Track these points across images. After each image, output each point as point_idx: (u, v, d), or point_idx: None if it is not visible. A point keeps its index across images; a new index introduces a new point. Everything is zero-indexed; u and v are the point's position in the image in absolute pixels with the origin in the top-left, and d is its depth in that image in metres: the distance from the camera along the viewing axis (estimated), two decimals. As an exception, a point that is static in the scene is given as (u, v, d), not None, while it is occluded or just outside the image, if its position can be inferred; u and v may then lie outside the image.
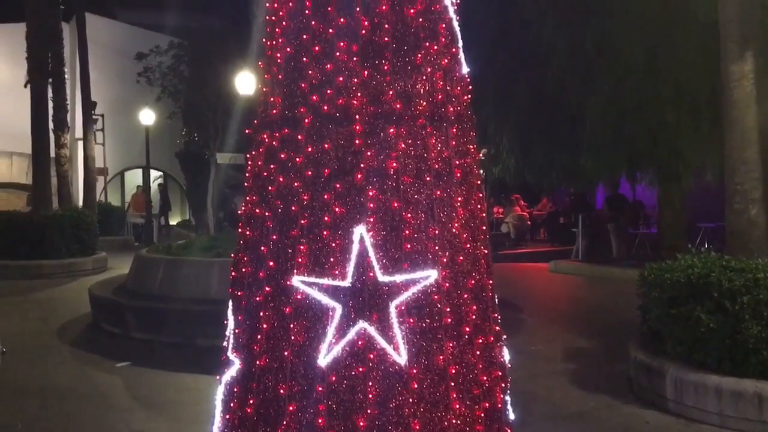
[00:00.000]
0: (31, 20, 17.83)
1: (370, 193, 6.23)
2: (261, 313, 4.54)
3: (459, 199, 7.13)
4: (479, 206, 7.16)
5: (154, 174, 30.70)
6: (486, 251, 6.48)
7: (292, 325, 4.28)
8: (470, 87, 7.94)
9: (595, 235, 18.19)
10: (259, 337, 4.46)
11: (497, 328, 4.63)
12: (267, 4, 7.97)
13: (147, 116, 25.88)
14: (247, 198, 7.52)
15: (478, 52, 16.09)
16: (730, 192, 8.49)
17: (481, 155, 17.35)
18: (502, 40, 16.61)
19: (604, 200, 19.16)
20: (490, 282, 4.77)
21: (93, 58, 25.03)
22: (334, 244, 5.96)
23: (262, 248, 6.26)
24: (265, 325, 4.44)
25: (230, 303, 4.96)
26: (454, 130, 7.53)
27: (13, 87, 22.06)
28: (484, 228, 7.09)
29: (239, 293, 4.96)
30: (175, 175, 32.39)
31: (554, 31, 14.53)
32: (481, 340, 4.50)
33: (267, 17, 7.89)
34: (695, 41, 12.09)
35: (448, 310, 4.39)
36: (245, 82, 18.43)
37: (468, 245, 6.47)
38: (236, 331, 4.74)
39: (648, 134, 13.49)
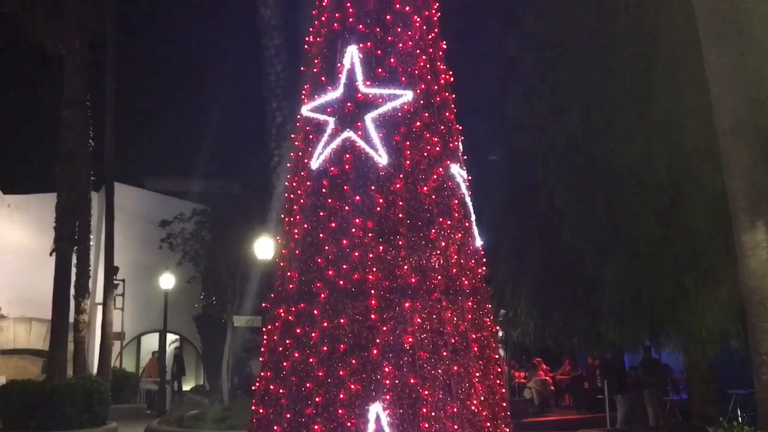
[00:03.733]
0: (61, 192, 18.62)
1: (386, 370, 6.15)
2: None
3: (477, 374, 6.99)
4: (498, 381, 7.01)
5: (170, 338, 30.55)
6: (507, 430, 6.23)
7: None
8: (484, 259, 8.05)
9: (633, 402, 17.46)
10: None
11: None
12: (286, 183, 8.32)
13: (167, 281, 26.20)
14: (262, 374, 7.43)
15: (491, 217, 16.49)
16: (756, 362, 8.26)
17: (499, 317, 17.21)
18: (515, 207, 16.98)
19: (639, 364, 18.61)
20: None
21: (118, 224, 25.83)
22: (349, 424, 5.80)
23: (276, 428, 6.09)
24: None
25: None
26: (470, 303, 7.56)
27: (39, 254, 22.58)
28: (504, 405, 6.87)
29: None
30: (192, 339, 32.20)
31: (565, 198, 14.86)
32: None
33: (286, 194, 8.22)
34: (706, 207, 12.28)
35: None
36: (264, 247, 18.78)
37: (488, 423, 6.26)
38: None
39: (667, 300, 13.35)
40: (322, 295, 6.75)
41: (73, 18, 18.51)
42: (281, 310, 7.11)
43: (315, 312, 6.72)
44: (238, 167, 28.22)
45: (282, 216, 8.17)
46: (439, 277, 6.83)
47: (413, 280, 6.78)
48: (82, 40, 18.95)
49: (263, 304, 6.83)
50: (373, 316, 6.62)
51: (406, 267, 6.81)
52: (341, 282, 6.69)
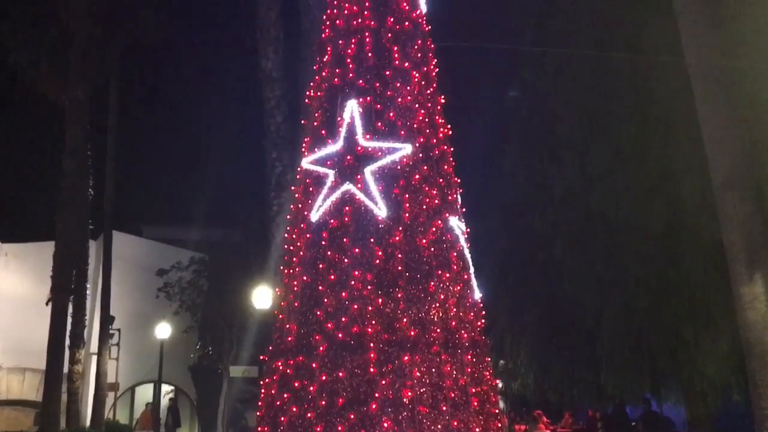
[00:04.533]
0: (59, 241, 18.59)
1: (385, 425, 6.10)
2: None
3: (477, 429, 6.92)
4: (498, 437, 6.92)
5: (165, 388, 30.12)
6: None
7: None
8: (483, 311, 8.04)
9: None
10: None
11: None
12: (286, 235, 8.36)
13: (163, 330, 25.97)
14: (259, 429, 7.33)
15: (490, 268, 16.49)
16: (758, 417, 8.19)
17: (499, 368, 17.05)
18: (513, 257, 17.00)
19: (640, 418, 18.32)
20: None
21: (115, 273, 25.70)
22: (348, 481, 5.68)
23: (272, 487, 5.97)
24: None
25: None
26: (469, 356, 7.52)
27: (35, 303, 22.42)
28: (505, 462, 6.72)
29: None
30: (187, 390, 31.73)
31: (563, 249, 14.91)
32: None
33: (285, 246, 8.24)
34: (704, 258, 12.31)
35: None
36: (262, 297, 18.67)
37: (489, 480, 6.14)
38: None
39: (668, 351, 13.29)
40: (321, 348, 6.72)
41: (78, 70, 18.78)
42: (279, 363, 7.06)
43: (313, 365, 6.68)
44: (237, 216, 28.27)
45: (281, 268, 8.18)
46: (439, 330, 6.82)
47: (412, 333, 6.76)
48: (86, 91, 19.19)
49: (261, 357, 6.77)
50: (372, 370, 6.58)
51: (405, 320, 6.81)
52: (340, 335, 6.67)
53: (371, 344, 6.71)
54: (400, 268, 6.98)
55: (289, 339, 7.08)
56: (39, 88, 20.04)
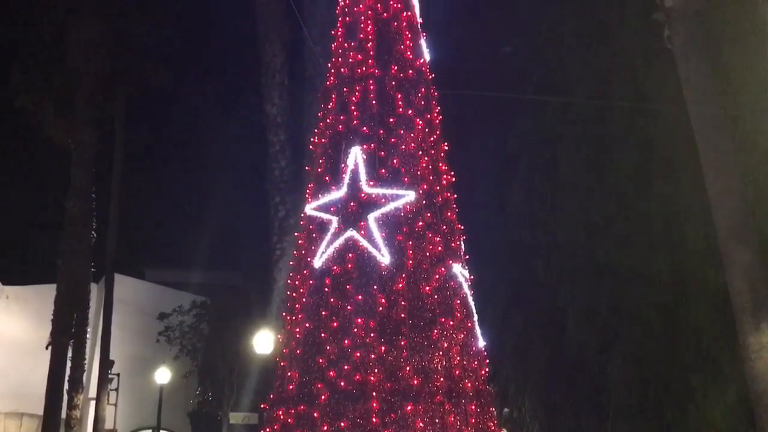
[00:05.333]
0: (61, 284, 18.57)
1: (389, 476, 5.96)
2: None
3: (482, 481, 6.77)
4: (503, 490, 6.75)
5: (164, 435, 29.66)
6: None
7: None
8: (487, 360, 7.94)
9: None
10: None
11: None
12: (288, 281, 8.33)
13: (163, 375, 25.67)
14: (259, 481, 7.19)
15: (493, 314, 16.35)
16: (769, 469, 7.98)
17: (503, 416, 16.76)
18: (517, 303, 16.86)
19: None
20: None
21: (116, 316, 25.52)
22: None
23: None
24: None
25: None
26: (473, 406, 7.40)
27: (34, 347, 22.26)
28: None
29: None
30: (186, 436, 31.25)
31: (568, 295, 14.80)
32: None
33: (288, 292, 8.20)
34: (710, 305, 12.19)
35: None
36: (263, 342, 18.50)
37: None
38: None
39: (675, 401, 13.06)
40: (323, 397, 6.62)
41: (84, 114, 19.01)
42: (280, 412, 6.96)
43: (315, 414, 6.58)
44: (239, 259, 28.22)
45: (283, 314, 8.12)
46: (442, 379, 6.73)
47: (415, 382, 6.67)
48: (91, 134, 19.38)
49: (261, 405, 6.67)
50: (374, 420, 6.47)
51: (408, 368, 6.72)
52: (342, 383, 6.58)
53: (374, 393, 6.61)
54: (403, 315, 6.93)
55: (291, 387, 6.98)
56: (45, 131, 20.23)
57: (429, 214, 7.77)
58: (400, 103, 8.22)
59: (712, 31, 9.76)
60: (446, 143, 8.78)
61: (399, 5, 8.93)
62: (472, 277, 8.17)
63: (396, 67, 8.44)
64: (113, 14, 19.61)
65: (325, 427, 6.55)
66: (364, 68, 8.39)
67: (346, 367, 6.77)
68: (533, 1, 16.46)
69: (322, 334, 6.98)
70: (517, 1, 16.98)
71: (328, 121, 8.52)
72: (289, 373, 7.18)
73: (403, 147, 7.97)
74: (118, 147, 23.77)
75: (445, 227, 7.95)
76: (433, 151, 8.35)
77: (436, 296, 7.25)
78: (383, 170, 7.77)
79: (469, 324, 7.60)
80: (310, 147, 8.87)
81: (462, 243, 8.32)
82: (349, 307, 6.98)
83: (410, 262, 7.26)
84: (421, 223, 7.61)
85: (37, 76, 19.65)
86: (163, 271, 35.71)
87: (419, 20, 9.29)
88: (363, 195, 7.58)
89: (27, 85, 19.49)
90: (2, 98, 20.06)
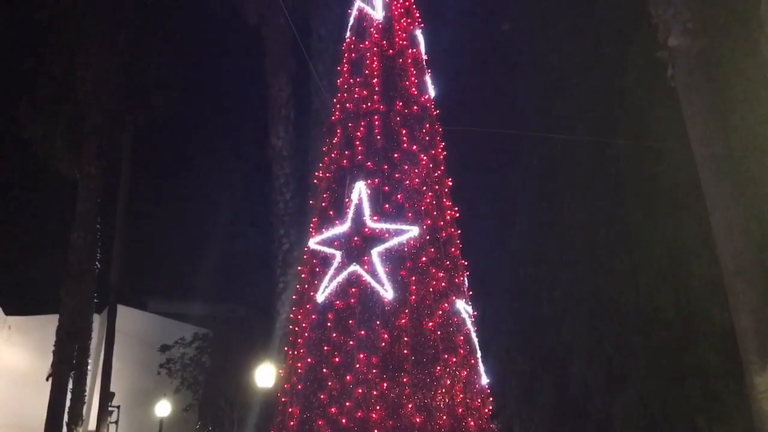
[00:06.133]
0: (63, 315, 18.49)
1: None
2: None
3: None
4: None
5: (162, 470, 29.27)
6: None
7: None
8: (491, 398, 7.85)
9: None
10: None
11: None
12: (291, 315, 8.29)
13: (163, 408, 25.42)
14: None
15: (497, 351, 16.22)
16: None
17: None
18: (521, 340, 16.75)
19: None
20: None
21: (117, 347, 25.32)
22: None
23: None
24: None
25: None
26: (477, 446, 7.30)
27: (35, 378, 22.10)
28: None
29: None
30: (185, 471, 30.84)
31: (573, 332, 14.69)
32: None
33: (290, 327, 8.16)
34: (716, 344, 12.07)
35: None
36: (265, 375, 18.34)
37: None
38: None
39: (683, 444, 12.88)
40: (324, 435, 6.53)
41: (91, 146, 19.12)
42: (281, 450, 6.87)
43: (316, 452, 6.48)
44: (242, 291, 28.13)
45: (285, 348, 8.07)
46: (445, 417, 6.65)
47: (418, 419, 6.59)
48: (98, 166, 19.46)
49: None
50: (375, 458, 6.36)
51: (410, 405, 6.64)
52: (344, 420, 6.50)
53: (375, 431, 6.51)
54: (405, 351, 6.87)
55: (291, 423, 6.90)
56: (53, 163, 20.33)
57: (433, 250, 7.76)
58: (404, 138, 8.27)
59: (714, 70, 9.82)
60: (450, 179, 8.80)
61: (404, 42, 9.04)
62: (475, 313, 8.12)
63: (401, 103, 8.50)
64: (122, 47, 19.85)
65: (326, 465, 6.43)
66: (369, 104, 8.45)
67: (347, 403, 6.70)
68: (537, 38, 16.61)
69: (324, 370, 6.92)
70: (521, 37, 17.14)
71: (333, 155, 8.56)
72: (290, 409, 7.11)
73: (408, 182, 7.99)
74: (123, 179, 23.89)
75: (448, 263, 7.93)
76: (437, 187, 8.37)
77: (439, 332, 7.20)
78: (387, 205, 7.78)
79: (473, 361, 7.53)
80: (315, 181, 8.90)
81: (465, 279, 8.28)
82: (351, 343, 6.93)
83: (413, 297, 7.23)
84: (424, 259, 7.59)
85: (47, 109, 19.83)
86: (166, 302, 35.60)
87: (424, 57, 9.39)
88: (367, 230, 7.58)
89: (36, 118, 19.64)
90: (6, 129, 20.27)
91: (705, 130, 9.31)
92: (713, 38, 9.86)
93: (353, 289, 7.27)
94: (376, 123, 8.30)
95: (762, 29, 7.73)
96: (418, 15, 9.58)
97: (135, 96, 20.48)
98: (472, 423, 6.89)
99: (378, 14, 9.12)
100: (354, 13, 9.46)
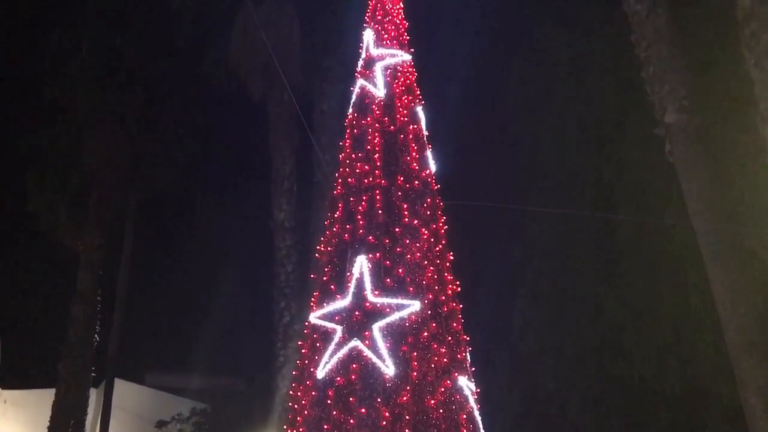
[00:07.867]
0: (60, 389, 18.22)
1: None
2: None
3: None
4: None
5: None
6: None
7: None
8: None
9: None
10: None
11: None
12: (290, 392, 8.15)
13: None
14: None
15: (502, 428, 15.83)
16: None
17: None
18: (525, 417, 16.38)
19: None
20: None
21: (113, 422, 24.77)
22: None
23: None
24: None
25: None
26: None
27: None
28: None
29: None
30: None
31: (578, 408, 14.43)
32: None
33: (289, 404, 8.01)
34: (724, 422, 11.83)
35: None
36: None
37: None
38: None
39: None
40: None
41: (95, 217, 19.22)
42: None
43: None
44: (242, 365, 27.66)
45: (284, 427, 7.90)
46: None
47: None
48: (101, 237, 19.51)
49: None
50: None
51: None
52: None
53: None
54: (407, 430, 6.71)
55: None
56: (56, 235, 20.38)
57: (434, 325, 7.70)
58: (406, 213, 8.32)
59: (711, 146, 9.96)
60: (452, 253, 8.81)
61: (406, 118, 9.20)
62: (478, 390, 7.98)
63: (402, 178, 8.60)
64: (130, 122, 20.19)
65: None
66: (370, 179, 8.54)
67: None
68: (535, 113, 16.90)
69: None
70: (520, 113, 17.42)
71: (334, 229, 8.59)
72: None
73: (409, 256, 7.99)
74: (126, 252, 23.90)
75: (450, 338, 7.85)
76: (438, 261, 8.36)
77: (441, 410, 7.06)
78: (389, 280, 7.76)
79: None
80: (316, 255, 8.91)
81: (468, 354, 8.18)
82: (352, 421, 6.78)
83: (415, 373, 7.12)
84: (426, 334, 7.52)
85: (53, 181, 20.01)
86: (164, 375, 35.02)
87: (425, 133, 9.55)
88: (368, 304, 7.54)
89: (42, 190, 19.81)
90: (6, 201, 20.40)
91: (703, 205, 9.36)
92: (709, 115, 10.04)
93: (354, 365, 7.17)
94: (378, 197, 8.37)
95: (757, 107, 7.87)
96: (419, 92, 9.79)
97: (140, 169, 20.71)
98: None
99: (380, 91, 9.32)
100: (356, 90, 9.68)
